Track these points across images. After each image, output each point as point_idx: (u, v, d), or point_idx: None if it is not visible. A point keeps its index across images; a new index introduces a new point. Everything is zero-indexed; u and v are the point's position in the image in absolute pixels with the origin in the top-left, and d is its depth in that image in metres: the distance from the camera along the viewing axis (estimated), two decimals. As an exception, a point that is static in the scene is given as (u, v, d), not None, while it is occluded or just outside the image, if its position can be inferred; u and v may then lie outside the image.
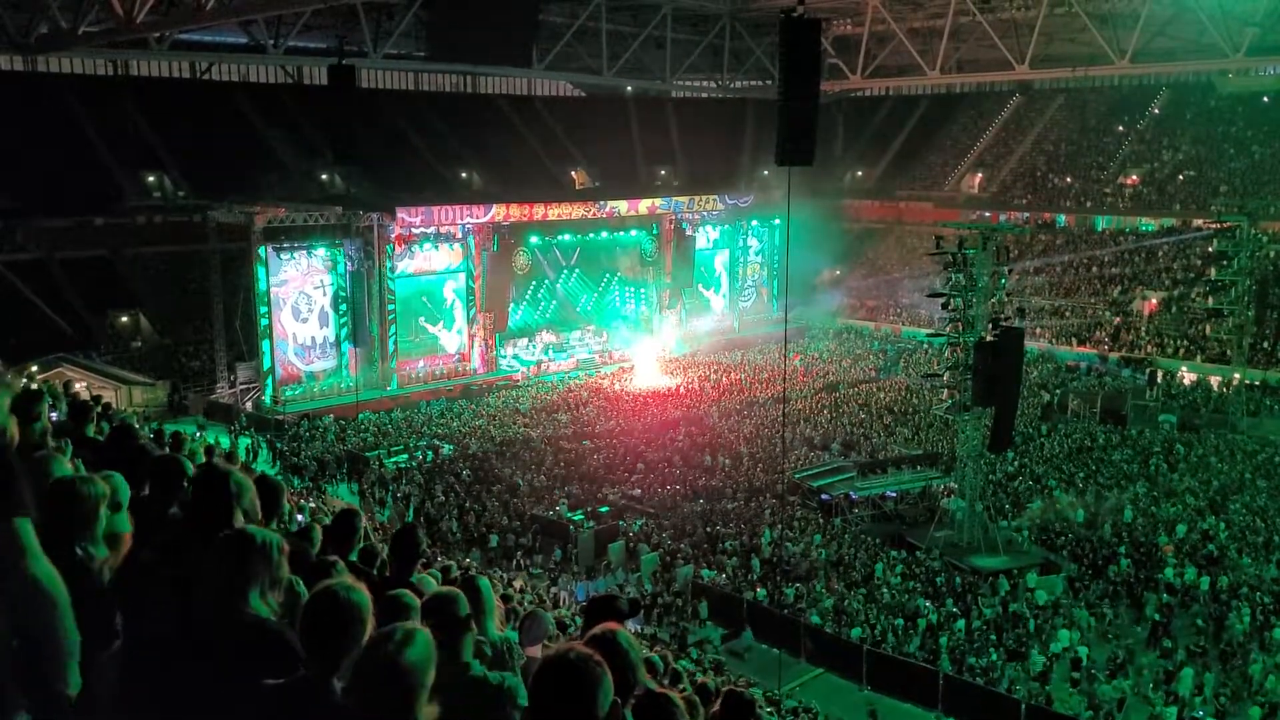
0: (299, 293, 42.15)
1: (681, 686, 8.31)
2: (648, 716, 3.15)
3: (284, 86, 61.34)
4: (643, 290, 55.43)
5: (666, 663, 10.24)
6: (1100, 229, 58.11)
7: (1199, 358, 45.54)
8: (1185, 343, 46.85)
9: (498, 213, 47.64)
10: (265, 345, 40.90)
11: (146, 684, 2.92)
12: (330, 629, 2.75)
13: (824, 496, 30.69)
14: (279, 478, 26.98)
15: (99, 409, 10.20)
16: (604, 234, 52.96)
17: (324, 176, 56.84)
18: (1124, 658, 21.82)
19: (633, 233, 54.43)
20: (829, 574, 25.97)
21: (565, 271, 52.23)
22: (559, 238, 51.05)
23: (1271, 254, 47.35)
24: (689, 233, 55.93)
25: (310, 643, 2.76)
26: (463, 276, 47.03)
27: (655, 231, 55.22)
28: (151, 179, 52.66)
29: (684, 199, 56.12)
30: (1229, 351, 42.72)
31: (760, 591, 24.96)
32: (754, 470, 33.40)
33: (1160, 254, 52.97)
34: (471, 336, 47.54)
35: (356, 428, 38.99)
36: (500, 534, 28.15)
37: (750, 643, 22.86)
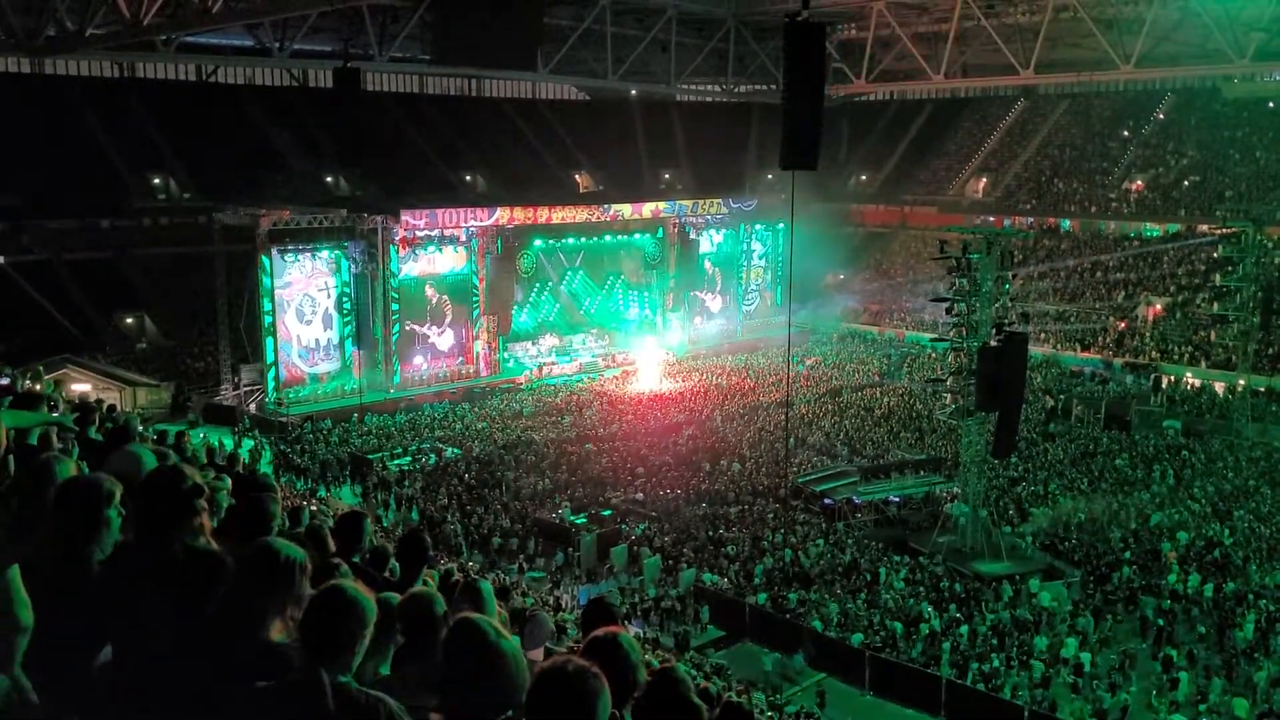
0: (303, 295, 42.23)
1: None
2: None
3: (289, 89, 61.46)
4: (646, 293, 55.46)
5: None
6: (1105, 234, 58.01)
7: (1204, 363, 45.42)
8: (1190, 348, 46.75)
9: (502, 216, 47.72)
10: (269, 347, 40.97)
11: (141, 688, 2.92)
12: (330, 627, 2.75)
13: (827, 501, 30.65)
14: (274, 478, 26.99)
15: (102, 410, 10.22)
16: (608, 237, 53.01)
17: (329, 179, 56.94)
18: (1127, 665, 21.80)
19: (637, 236, 54.48)
20: (834, 579, 25.96)
21: (569, 274, 52.25)
22: (563, 240, 51.09)
23: (1277, 259, 47.22)
24: (693, 236, 55.94)
25: (310, 639, 2.77)
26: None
27: (659, 235, 55.25)
28: (157, 181, 52.77)
29: (688, 202, 56.14)
30: (1234, 357, 42.61)
31: (761, 596, 24.94)
32: (757, 474, 33.40)
33: (1165, 259, 52.86)
34: (474, 339, 47.57)
35: (359, 430, 39.04)
36: (503, 537, 28.18)
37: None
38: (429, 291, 46.15)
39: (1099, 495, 31.02)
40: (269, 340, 40.97)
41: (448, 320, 46.87)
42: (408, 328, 45.17)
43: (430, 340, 46.29)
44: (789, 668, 22.67)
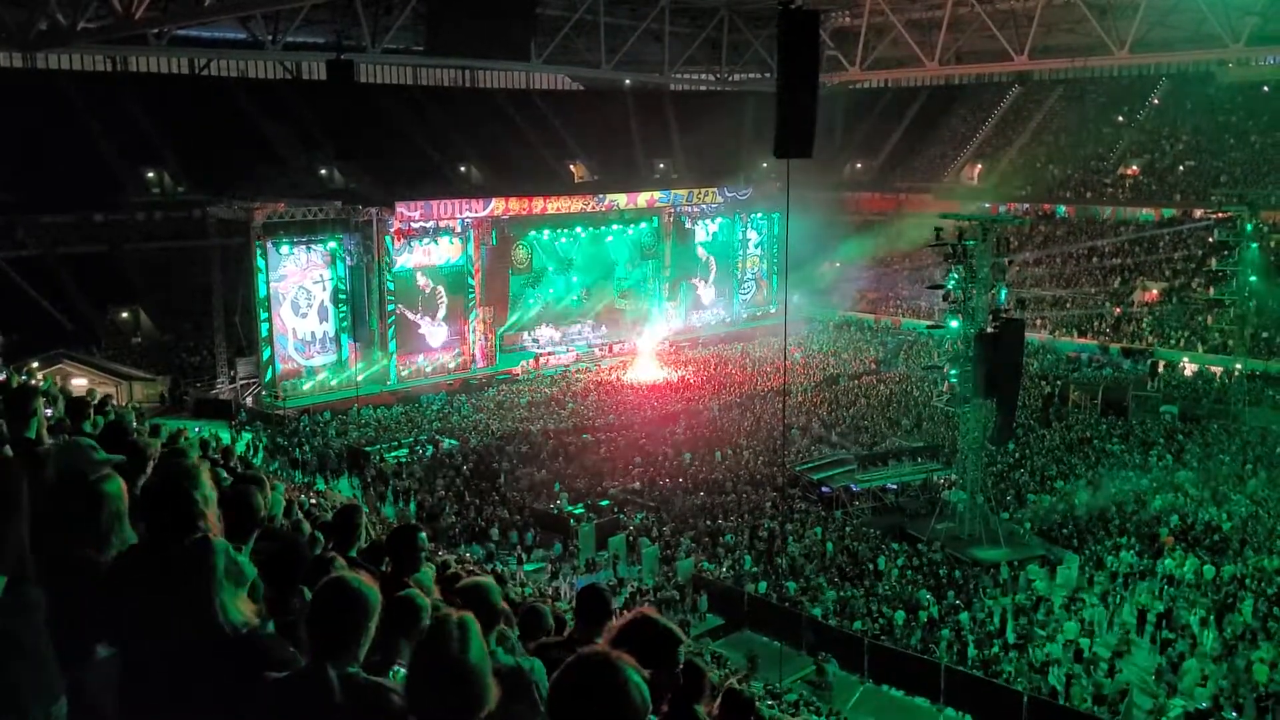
0: (298, 288, 42.15)
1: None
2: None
3: (283, 82, 61.26)
4: (642, 283, 55.42)
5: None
6: (1100, 219, 58.02)
7: (1200, 348, 45.49)
8: (1186, 333, 46.80)
9: (497, 206, 47.64)
10: (265, 340, 40.90)
11: (146, 686, 2.92)
12: (335, 619, 2.75)
13: (824, 489, 30.66)
14: (280, 472, 26.96)
15: (95, 404, 10.20)
16: (603, 227, 52.95)
17: (323, 171, 56.82)
18: (1126, 649, 21.85)
19: (632, 226, 54.41)
20: (829, 568, 25.98)
21: (565, 264, 52.21)
22: (558, 231, 51.03)
23: (1272, 243, 47.27)
24: (688, 225, 55.86)
25: (315, 632, 2.76)
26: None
27: (655, 224, 55.20)
28: (151, 175, 52.65)
29: (683, 192, 56.11)
30: (1230, 341, 42.69)
31: (761, 585, 24.96)
32: (754, 463, 33.40)
33: (1161, 244, 52.88)
34: (470, 330, 47.46)
35: (357, 422, 39.01)
36: (501, 528, 28.18)
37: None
38: (420, 281, 45.90)
39: (1097, 481, 31.07)
40: (264, 333, 40.89)
41: (441, 314, 46.71)
42: (400, 312, 44.90)
43: (421, 331, 46.11)
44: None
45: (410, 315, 45.48)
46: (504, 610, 5.29)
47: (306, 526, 6.28)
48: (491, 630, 3.70)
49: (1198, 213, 51.37)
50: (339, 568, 4.19)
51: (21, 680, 2.63)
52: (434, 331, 46.54)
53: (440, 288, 46.51)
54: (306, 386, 42.23)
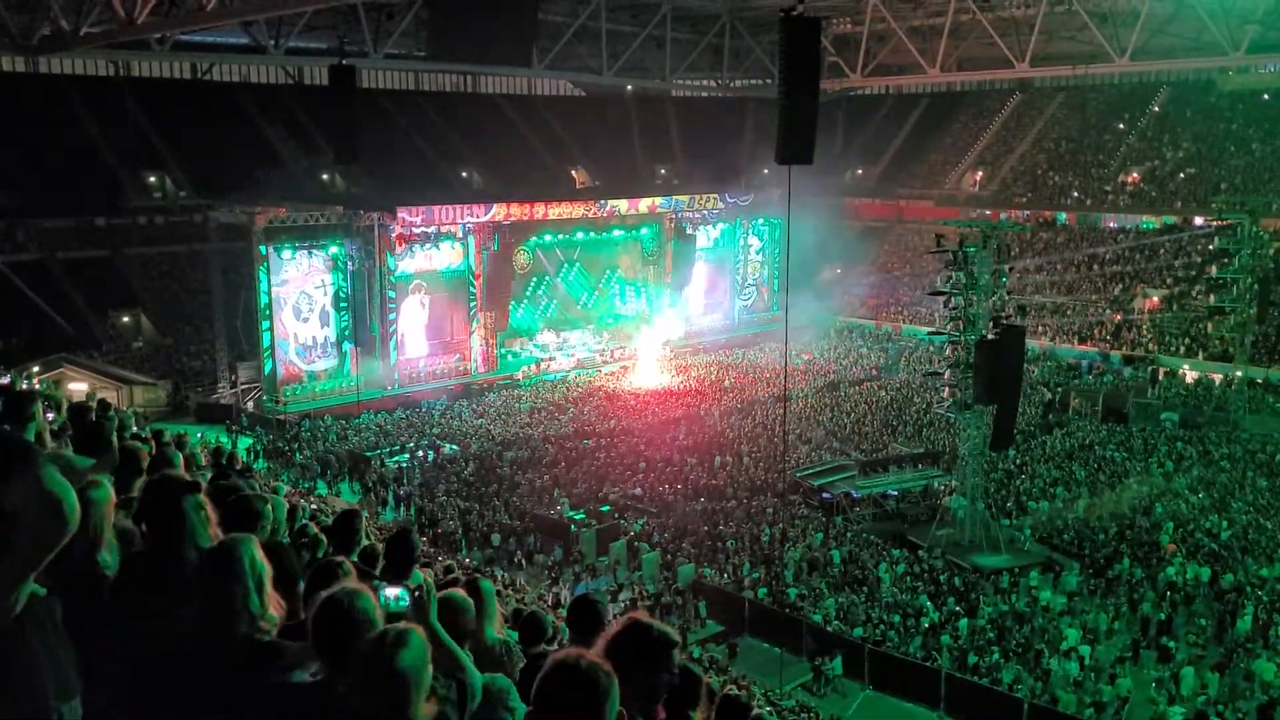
0: (300, 292, 42.16)
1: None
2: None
3: (285, 87, 61.34)
4: (643, 289, 55.43)
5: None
6: (1101, 227, 58.09)
7: (1201, 355, 45.51)
8: (1187, 340, 46.81)
9: (498, 212, 47.64)
10: (266, 345, 40.93)
11: (154, 689, 2.92)
12: (338, 634, 2.76)
13: (825, 495, 30.64)
14: (282, 477, 26.94)
15: (96, 407, 10.20)
16: (604, 233, 52.98)
17: (325, 176, 56.86)
18: (1127, 657, 21.83)
19: (633, 231, 54.43)
20: (829, 572, 25.95)
21: (565, 269, 52.24)
22: (560, 236, 51.06)
23: (1273, 251, 47.30)
24: (689, 231, 55.91)
25: (320, 648, 2.77)
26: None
27: (656, 230, 55.22)
28: (153, 179, 52.68)
29: (684, 198, 56.09)
30: (1231, 349, 42.68)
31: (761, 590, 24.93)
32: (755, 469, 33.38)
33: (1161, 252, 52.95)
34: (471, 335, 47.49)
35: (357, 427, 39.00)
36: (501, 533, 28.17)
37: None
38: (432, 282, 45.98)
39: (1098, 488, 31.06)
40: (266, 338, 40.92)
41: (426, 316, 46.58)
42: (405, 313, 45.00)
43: (428, 335, 46.07)
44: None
45: (419, 312, 45.50)
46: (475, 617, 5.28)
47: (324, 540, 6.28)
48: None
49: (1198, 220, 51.40)
50: (345, 572, 4.21)
51: (40, 678, 2.65)
52: (442, 335, 46.57)
53: (442, 294, 46.57)
54: (308, 391, 42.23)
